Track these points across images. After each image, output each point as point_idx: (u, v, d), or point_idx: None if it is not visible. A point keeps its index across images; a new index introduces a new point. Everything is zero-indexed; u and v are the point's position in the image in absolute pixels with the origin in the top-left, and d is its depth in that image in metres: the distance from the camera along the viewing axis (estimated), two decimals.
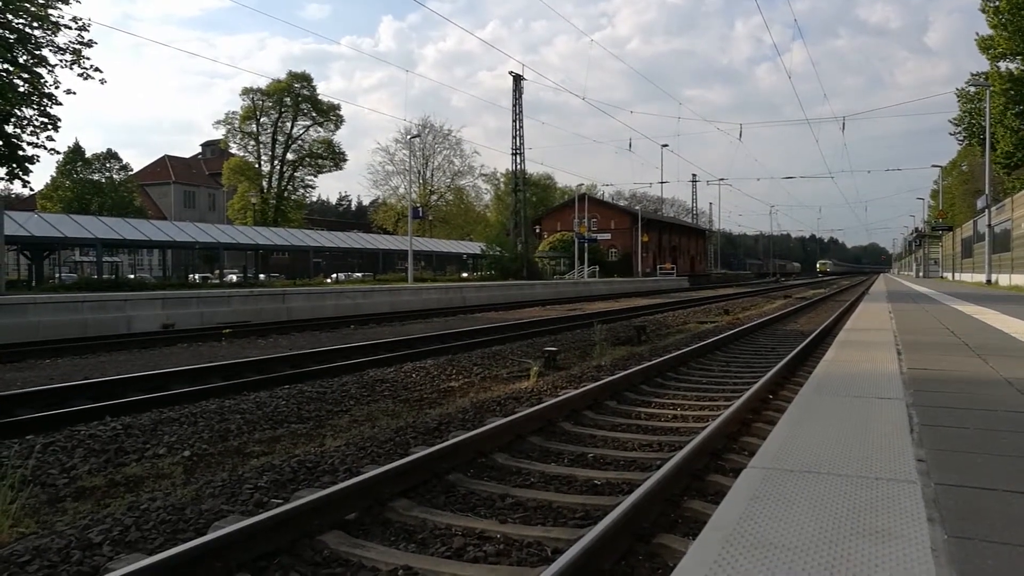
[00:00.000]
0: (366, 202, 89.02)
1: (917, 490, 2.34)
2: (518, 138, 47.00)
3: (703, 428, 5.26)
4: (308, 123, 56.78)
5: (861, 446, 2.90)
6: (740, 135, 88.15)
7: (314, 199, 76.49)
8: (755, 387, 6.77)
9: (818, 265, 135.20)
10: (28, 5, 21.22)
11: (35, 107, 22.08)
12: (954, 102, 37.82)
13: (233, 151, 58.55)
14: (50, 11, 21.71)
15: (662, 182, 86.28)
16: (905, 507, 2.17)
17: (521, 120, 46.76)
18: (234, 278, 41.23)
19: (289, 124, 56.08)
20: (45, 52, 22.07)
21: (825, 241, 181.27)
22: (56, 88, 22.44)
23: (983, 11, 30.27)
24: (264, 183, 56.08)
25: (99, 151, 54.40)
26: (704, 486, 4.21)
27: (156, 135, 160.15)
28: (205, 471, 4.93)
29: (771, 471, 2.56)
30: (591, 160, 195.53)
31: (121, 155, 58.41)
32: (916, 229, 70.26)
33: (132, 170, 58.33)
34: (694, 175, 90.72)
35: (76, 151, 51.08)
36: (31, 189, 27.54)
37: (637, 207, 75.57)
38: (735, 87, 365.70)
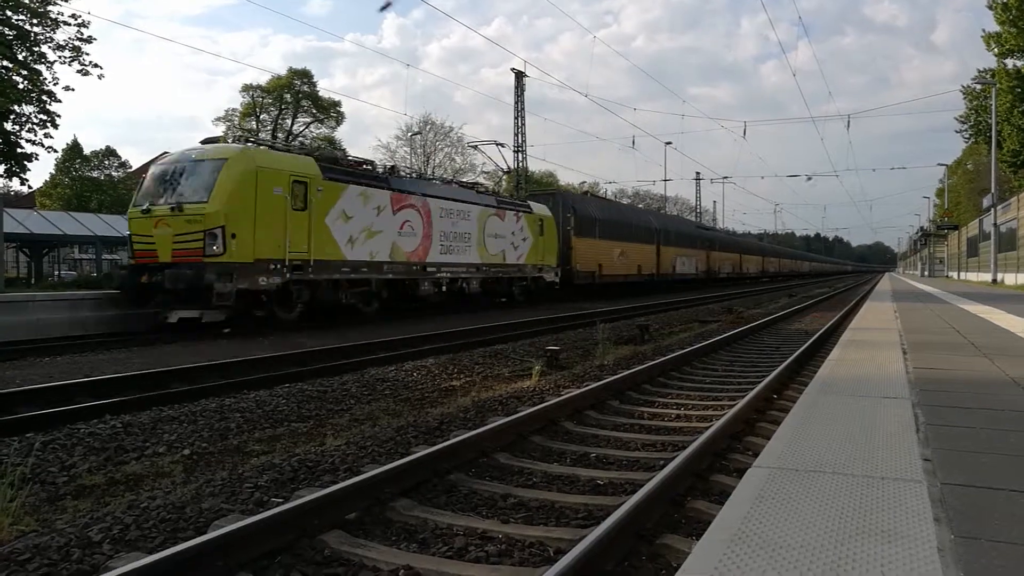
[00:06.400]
0: None
1: (923, 490, 2.32)
2: (520, 135, 46.96)
3: (707, 428, 5.23)
4: (309, 120, 56.79)
5: (867, 446, 2.87)
6: (744, 133, 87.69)
7: None
8: (759, 387, 6.74)
9: None
10: (27, 1, 21.23)
11: (34, 104, 22.12)
12: (960, 100, 37.73)
13: None
14: (49, 7, 21.74)
15: (665, 180, 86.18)
16: (911, 507, 2.15)
17: (523, 117, 46.66)
18: None
19: (289, 121, 56.10)
20: (44, 49, 22.12)
21: (830, 240, 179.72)
22: (55, 84, 22.48)
23: (991, 7, 30.13)
24: None
25: (98, 148, 54.56)
26: (708, 486, 4.18)
27: (156, 132, 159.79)
28: (205, 470, 4.91)
29: (776, 471, 2.54)
30: (594, 157, 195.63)
31: (121, 152, 58.52)
32: (921, 228, 70.10)
33: (131, 167, 58.35)
34: (698, 173, 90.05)
35: (75, 148, 51.15)
36: (30, 187, 27.59)
37: (640, 205, 75.40)
38: (740, 85, 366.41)
